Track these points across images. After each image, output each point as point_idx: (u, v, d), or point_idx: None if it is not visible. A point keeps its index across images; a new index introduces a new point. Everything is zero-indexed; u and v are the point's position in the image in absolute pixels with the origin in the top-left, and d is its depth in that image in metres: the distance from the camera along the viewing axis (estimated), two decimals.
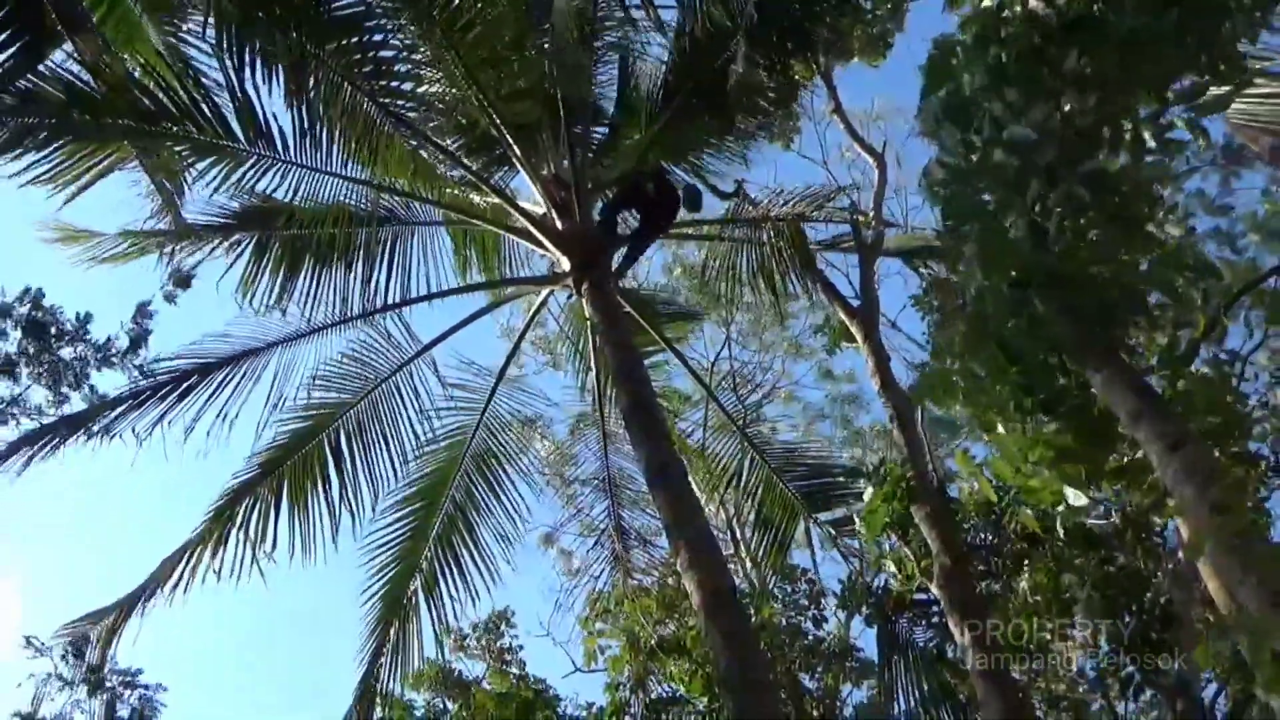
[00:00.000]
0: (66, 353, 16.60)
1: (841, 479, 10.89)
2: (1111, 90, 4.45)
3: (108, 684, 16.39)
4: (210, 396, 9.68)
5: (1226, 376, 5.01)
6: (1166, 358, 4.78)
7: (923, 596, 9.86)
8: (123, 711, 16.72)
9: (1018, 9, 4.60)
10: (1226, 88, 4.33)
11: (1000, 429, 4.60)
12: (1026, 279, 4.33)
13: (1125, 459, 4.68)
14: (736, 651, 6.38)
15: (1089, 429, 4.54)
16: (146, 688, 16.72)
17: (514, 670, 12.05)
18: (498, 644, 12.36)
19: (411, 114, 9.88)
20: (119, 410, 9.41)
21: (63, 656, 16.54)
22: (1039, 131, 4.30)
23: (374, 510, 10.13)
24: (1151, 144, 4.30)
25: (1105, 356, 4.23)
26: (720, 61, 10.05)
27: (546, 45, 9.56)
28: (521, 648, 12.65)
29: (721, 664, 6.44)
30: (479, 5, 9.20)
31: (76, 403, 16.35)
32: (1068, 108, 4.36)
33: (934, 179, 4.53)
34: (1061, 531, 7.47)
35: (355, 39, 9.23)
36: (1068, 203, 4.27)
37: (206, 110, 8.82)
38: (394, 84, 9.67)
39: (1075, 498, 4.68)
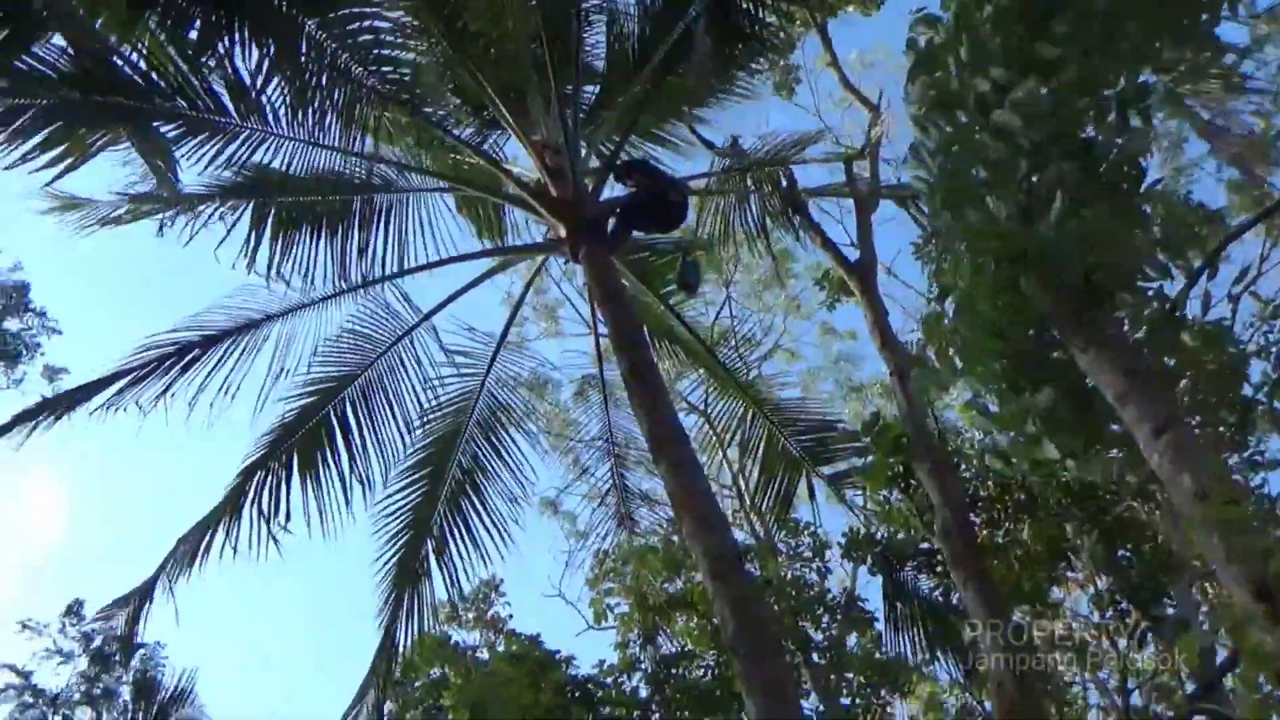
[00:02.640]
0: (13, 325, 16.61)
1: (841, 434, 10.91)
2: (1094, 60, 4.46)
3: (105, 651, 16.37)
4: (214, 369, 9.70)
5: (1220, 326, 5.03)
6: (1158, 324, 4.81)
7: (926, 547, 10.02)
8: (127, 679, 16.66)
9: None
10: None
11: (993, 406, 4.64)
12: (1015, 257, 4.36)
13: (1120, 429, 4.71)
14: (742, 616, 6.45)
15: (1082, 401, 4.58)
16: (143, 646, 16.44)
17: (504, 639, 11.94)
18: (489, 614, 12.35)
19: (402, 82, 9.83)
20: (121, 384, 9.38)
21: (60, 630, 16.71)
22: (1025, 109, 4.31)
23: (385, 480, 10.20)
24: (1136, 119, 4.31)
25: (1091, 334, 4.27)
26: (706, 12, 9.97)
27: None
28: (511, 616, 12.67)
29: (728, 629, 6.49)
30: None
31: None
32: (1053, 84, 4.36)
33: (921, 163, 4.54)
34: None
35: (345, 9, 9.19)
36: (1056, 180, 4.29)
37: (197, 84, 8.80)
38: (384, 52, 9.64)
39: (1076, 468, 4.74)
